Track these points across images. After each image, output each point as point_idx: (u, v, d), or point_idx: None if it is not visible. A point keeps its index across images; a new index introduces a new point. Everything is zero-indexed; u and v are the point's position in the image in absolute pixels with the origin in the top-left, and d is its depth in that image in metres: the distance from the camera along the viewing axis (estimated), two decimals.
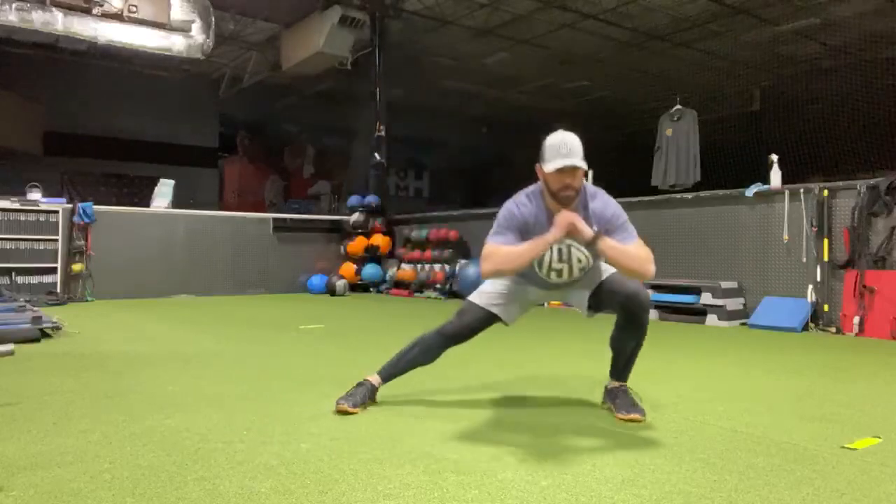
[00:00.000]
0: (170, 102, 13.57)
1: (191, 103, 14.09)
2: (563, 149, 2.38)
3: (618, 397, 2.66)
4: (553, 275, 2.44)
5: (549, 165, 2.38)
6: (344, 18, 9.96)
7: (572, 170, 2.39)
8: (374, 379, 2.73)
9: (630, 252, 2.43)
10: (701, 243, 6.62)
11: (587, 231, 2.37)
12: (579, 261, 2.42)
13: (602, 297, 2.61)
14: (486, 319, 2.62)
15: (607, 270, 2.57)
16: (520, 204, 2.54)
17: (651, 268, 2.45)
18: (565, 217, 2.38)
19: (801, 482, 1.88)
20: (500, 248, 2.45)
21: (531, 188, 2.57)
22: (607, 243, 2.39)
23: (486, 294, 2.64)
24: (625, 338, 2.65)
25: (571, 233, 2.36)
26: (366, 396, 2.68)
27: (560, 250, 2.40)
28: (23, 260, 7.55)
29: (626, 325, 2.61)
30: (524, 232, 2.48)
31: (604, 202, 2.53)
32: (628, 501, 1.73)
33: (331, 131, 15.63)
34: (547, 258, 2.41)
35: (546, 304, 8.63)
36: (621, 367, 2.72)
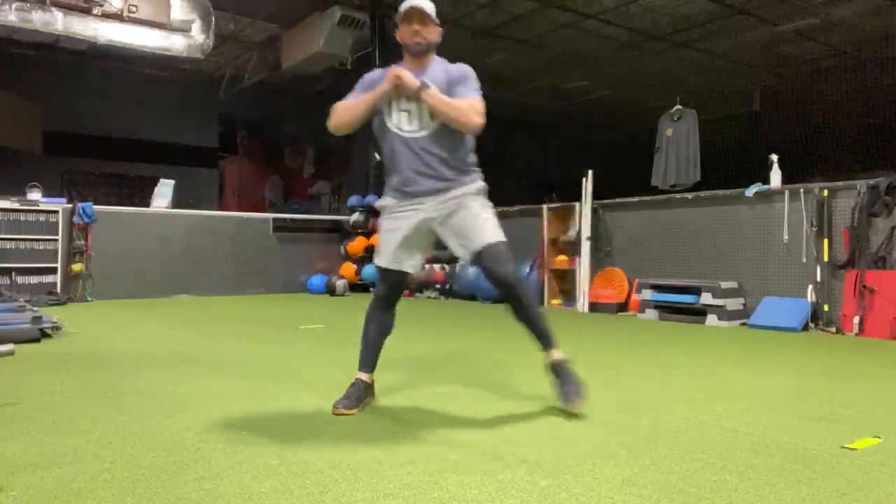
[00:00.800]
0: (170, 102, 13.56)
1: (191, 103, 14.08)
2: (414, 3, 2.55)
3: (559, 376, 2.64)
4: (404, 117, 2.58)
5: (399, 15, 2.57)
6: (344, 18, 9.95)
7: (420, 16, 2.55)
8: (363, 375, 2.76)
9: (455, 103, 2.52)
10: (701, 243, 6.62)
11: (412, 82, 2.50)
12: (409, 87, 2.53)
13: (484, 271, 2.63)
14: (398, 274, 2.72)
15: (489, 237, 2.58)
16: (374, 70, 2.73)
17: (476, 120, 2.54)
18: (393, 70, 2.55)
19: (801, 482, 1.88)
20: (342, 103, 2.65)
21: None
22: (431, 94, 2.51)
23: (385, 254, 2.71)
24: (513, 308, 2.64)
25: (397, 84, 2.51)
26: (361, 395, 2.69)
27: (408, 98, 2.56)
28: (23, 260, 7.55)
29: (505, 297, 2.65)
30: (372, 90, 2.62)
31: (459, 65, 2.67)
32: (628, 501, 1.73)
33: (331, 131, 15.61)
34: (395, 103, 2.58)
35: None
36: (537, 333, 2.67)
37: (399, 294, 2.80)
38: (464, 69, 2.64)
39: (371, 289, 9.72)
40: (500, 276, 2.56)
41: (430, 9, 2.58)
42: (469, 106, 2.53)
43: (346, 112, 2.62)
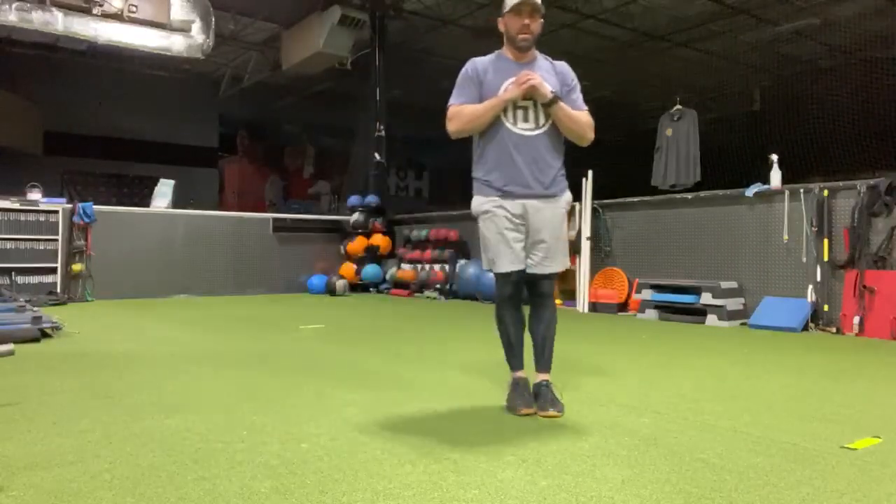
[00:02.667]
0: (170, 102, 13.57)
1: (191, 103, 14.09)
2: None
3: (539, 394, 2.67)
4: (520, 114, 2.55)
5: (507, 6, 2.51)
6: (344, 18, 9.96)
7: (530, 8, 2.50)
8: (521, 373, 2.75)
9: (580, 120, 2.59)
10: (701, 243, 6.62)
11: (547, 92, 2.47)
12: (543, 95, 2.53)
13: (533, 286, 2.73)
14: (519, 272, 2.67)
15: (557, 265, 2.70)
16: (476, 60, 2.67)
17: (591, 135, 2.63)
18: (526, 74, 2.48)
19: (801, 482, 1.88)
20: (463, 108, 2.58)
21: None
22: (562, 106, 2.52)
23: (504, 257, 2.64)
24: (534, 321, 2.74)
25: (531, 91, 2.47)
26: (530, 389, 2.70)
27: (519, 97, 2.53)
28: (23, 260, 7.55)
29: (533, 307, 2.74)
30: (483, 84, 2.58)
31: (562, 63, 2.67)
32: (628, 501, 1.73)
33: (331, 131, 15.63)
34: (510, 107, 2.55)
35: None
36: (537, 353, 2.74)
37: (522, 289, 2.73)
38: (569, 72, 2.65)
39: (372, 289, 9.75)
40: (546, 294, 2.71)
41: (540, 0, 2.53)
42: (588, 123, 2.60)
43: (471, 119, 2.56)
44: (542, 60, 2.67)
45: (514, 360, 2.77)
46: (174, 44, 8.43)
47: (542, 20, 2.59)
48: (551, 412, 2.59)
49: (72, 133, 12.54)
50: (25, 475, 1.88)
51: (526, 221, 2.64)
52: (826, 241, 5.58)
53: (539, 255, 2.65)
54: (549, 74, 2.60)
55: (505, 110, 2.55)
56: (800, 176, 7.08)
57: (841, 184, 5.69)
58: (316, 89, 14.02)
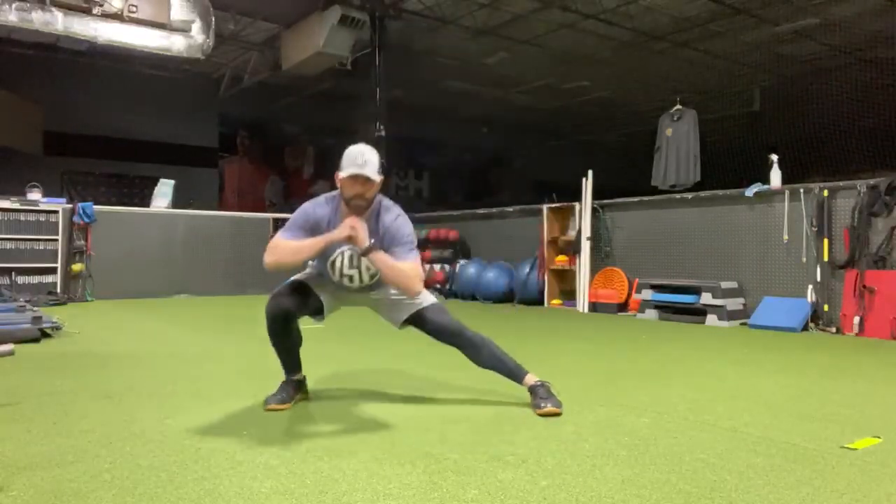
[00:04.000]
0: (170, 102, 13.56)
1: (191, 103, 14.08)
2: (360, 159, 2.54)
3: (535, 393, 2.70)
4: (346, 280, 2.62)
5: (344, 172, 2.54)
6: (344, 18, 9.95)
7: (364, 180, 2.54)
8: (292, 375, 2.83)
9: (398, 267, 2.54)
10: (701, 243, 6.62)
11: (364, 239, 2.50)
12: (368, 268, 2.58)
13: (424, 327, 2.74)
14: (312, 298, 2.76)
15: (425, 301, 2.72)
16: (317, 205, 2.70)
17: (417, 286, 2.60)
18: (349, 221, 2.52)
19: (801, 482, 1.88)
20: (285, 242, 2.60)
21: (332, 193, 2.72)
22: (379, 256, 2.53)
23: (303, 275, 2.78)
24: (477, 356, 2.76)
25: (351, 237, 2.50)
26: (291, 392, 2.78)
27: (351, 257, 2.57)
28: (23, 260, 7.55)
29: (466, 349, 2.75)
30: (315, 232, 2.61)
31: (395, 217, 2.68)
32: (628, 501, 1.73)
33: (331, 131, 15.63)
34: (339, 263, 2.59)
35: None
36: (509, 371, 2.78)
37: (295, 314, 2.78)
38: (403, 227, 2.64)
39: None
40: (455, 332, 2.72)
41: (374, 172, 2.55)
42: (415, 273, 2.58)
43: (292, 254, 2.58)
44: (382, 214, 2.67)
45: (286, 367, 2.85)
46: (174, 44, 8.43)
47: (380, 179, 2.61)
48: (549, 408, 2.59)
49: (72, 133, 12.53)
50: (25, 475, 1.88)
51: (355, 297, 2.78)
52: (826, 241, 5.58)
53: (407, 301, 2.69)
54: (379, 226, 2.64)
55: (333, 270, 2.61)
56: (800, 176, 7.08)
57: (841, 184, 5.69)
58: (316, 89, 14.01)
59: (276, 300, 2.69)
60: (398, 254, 2.57)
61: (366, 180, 2.55)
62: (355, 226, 2.50)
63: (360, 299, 2.83)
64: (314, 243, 2.55)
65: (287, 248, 2.58)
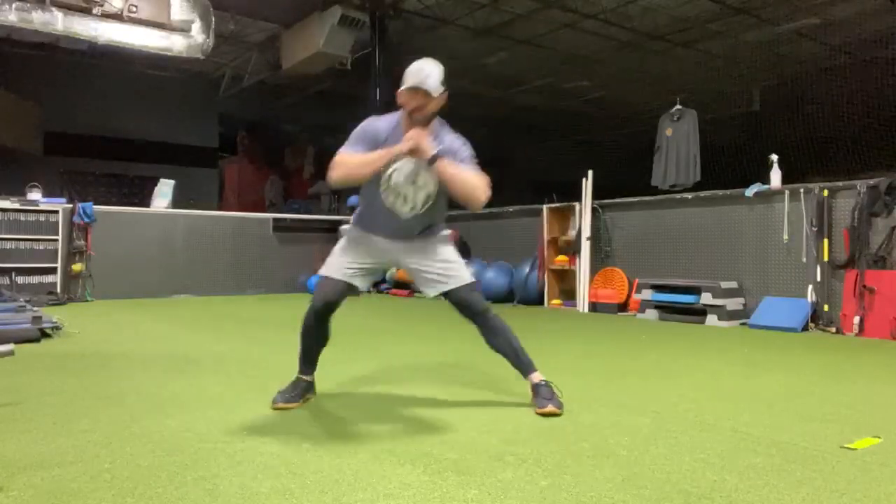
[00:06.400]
0: (170, 102, 13.57)
1: (191, 103, 14.08)
2: (420, 74, 2.54)
3: (537, 392, 2.69)
4: (399, 202, 2.53)
5: (403, 85, 2.56)
6: (344, 18, 9.95)
7: (424, 94, 2.54)
8: (305, 375, 2.86)
9: (464, 175, 2.54)
10: (701, 243, 6.62)
11: (428, 149, 2.48)
12: (426, 185, 2.50)
13: (452, 301, 2.72)
14: (342, 289, 2.73)
15: (459, 279, 2.70)
16: (377, 119, 2.71)
17: (482, 196, 2.56)
18: (411, 133, 2.51)
19: (801, 482, 1.88)
20: (350, 156, 2.58)
21: (394, 113, 2.72)
22: (445, 164, 2.50)
23: (334, 265, 2.73)
24: (493, 339, 2.75)
25: (415, 149, 2.47)
26: (300, 392, 2.80)
27: (409, 172, 2.50)
28: (23, 260, 7.55)
29: (485, 329, 2.74)
30: (375, 146, 2.59)
31: (455, 137, 2.67)
32: (628, 501, 1.73)
33: (331, 131, 15.61)
34: (395, 177, 2.50)
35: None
36: (518, 362, 2.76)
37: (332, 310, 2.79)
38: (463, 146, 2.63)
39: (371, 289, 9.74)
40: (480, 311, 2.70)
41: (435, 87, 2.53)
42: (482, 182, 2.55)
43: (355, 168, 2.55)
44: (442, 132, 2.65)
45: (303, 362, 2.89)
46: (174, 44, 8.42)
47: (445, 93, 2.59)
48: (550, 408, 2.59)
49: (72, 133, 12.53)
50: (25, 475, 1.88)
51: (404, 260, 2.73)
52: (826, 241, 5.58)
53: (442, 277, 2.68)
54: (438, 143, 2.59)
55: (387, 188, 2.53)
56: (799, 176, 7.08)
57: (841, 184, 5.69)
58: (316, 89, 14.01)
59: (323, 292, 2.69)
60: (463, 164, 2.57)
61: (424, 94, 2.53)
62: (418, 137, 2.48)
63: (398, 255, 2.74)
64: (379, 156, 2.52)
65: (353, 161, 2.56)
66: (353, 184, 2.63)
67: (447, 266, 2.70)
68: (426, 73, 2.54)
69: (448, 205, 2.73)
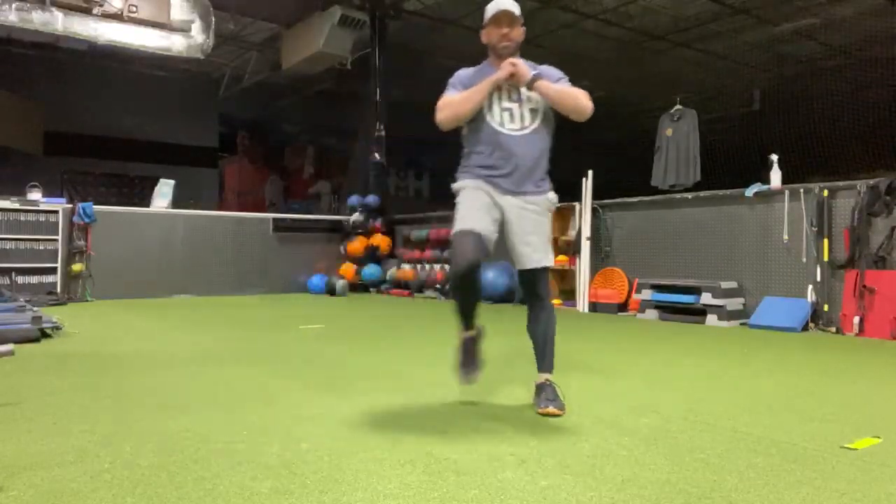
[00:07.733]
0: (170, 102, 13.57)
1: (191, 103, 14.09)
2: (502, 4, 2.64)
3: (541, 392, 2.69)
4: (507, 117, 2.62)
5: (487, 17, 2.65)
6: (344, 18, 9.95)
7: (510, 19, 2.64)
8: (468, 331, 2.74)
9: (571, 91, 2.65)
10: (701, 243, 6.62)
11: (526, 72, 2.57)
12: (529, 99, 2.63)
13: (522, 278, 2.77)
14: (482, 244, 2.58)
15: (545, 260, 2.70)
16: (462, 71, 2.78)
17: (588, 104, 2.66)
18: (508, 60, 2.60)
19: (801, 482, 1.88)
20: (451, 97, 2.66)
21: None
22: (544, 83, 2.60)
23: (468, 218, 2.60)
24: (534, 325, 2.77)
25: (513, 74, 2.56)
26: (474, 354, 2.74)
27: (510, 89, 2.63)
28: (23, 260, 7.55)
29: (533, 313, 2.77)
30: (472, 86, 2.66)
31: (550, 67, 2.77)
32: (628, 501, 1.73)
33: (331, 131, 15.63)
34: (496, 98, 2.62)
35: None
36: (542, 355, 2.77)
37: (479, 265, 2.61)
38: (552, 68, 2.73)
39: (372, 289, 9.75)
40: (542, 295, 2.73)
41: (517, 9, 2.64)
42: (580, 93, 2.64)
43: (459, 104, 2.61)
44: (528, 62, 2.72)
45: (464, 321, 2.74)
46: (174, 44, 8.42)
47: (523, 27, 2.69)
48: (551, 409, 2.59)
49: (72, 133, 12.53)
50: (25, 475, 1.88)
51: (507, 215, 2.66)
52: (826, 241, 5.58)
53: (528, 250, 2.66)
54: (532, 69, 2.66)
55: (491, 111, 2.63)
56: (800, 176, 7.08)
57: (841, 184, 5.69)
58: (316, 89, 14.01)
59: (463, 255, 2.54)
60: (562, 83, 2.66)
61: (511, 18, 2.62)
62: (515, 62, 2.57)
63: (506, 213, 2.65)
64: (480, 88, 2.60)
65: (455, 100, 2.63)
66: (461, 122, 2.67)
67: (540, 244, 2.69)
68: (507, 2, 2.63)
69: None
